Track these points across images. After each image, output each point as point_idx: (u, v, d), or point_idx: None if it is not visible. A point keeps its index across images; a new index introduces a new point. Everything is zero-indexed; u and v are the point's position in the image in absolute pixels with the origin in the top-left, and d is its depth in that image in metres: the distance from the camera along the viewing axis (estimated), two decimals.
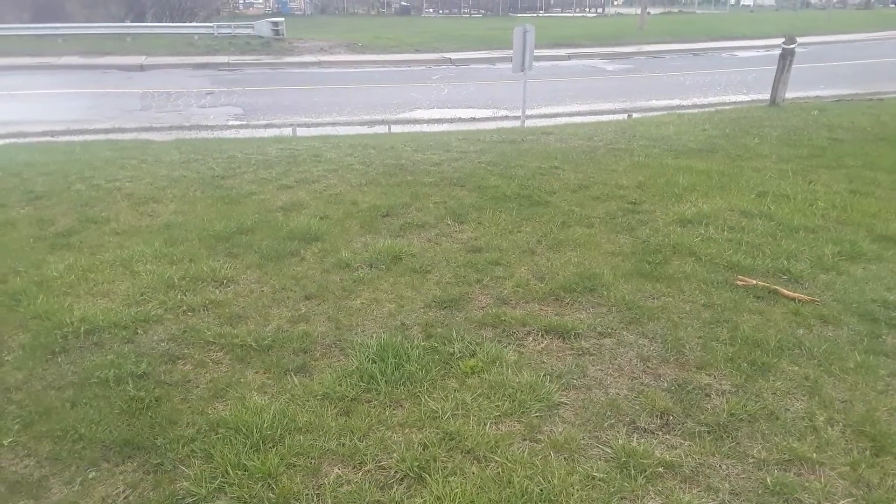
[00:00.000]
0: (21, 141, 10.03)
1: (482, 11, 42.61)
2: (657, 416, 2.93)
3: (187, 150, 8.37)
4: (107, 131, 11.39)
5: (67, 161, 7.71)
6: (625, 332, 3.65)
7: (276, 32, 24.56)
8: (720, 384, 3.16)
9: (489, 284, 4.26)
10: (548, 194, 6.11)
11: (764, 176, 6.75)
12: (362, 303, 4.03)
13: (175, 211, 5.78)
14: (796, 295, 4.06)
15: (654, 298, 4.05)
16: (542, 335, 3.63)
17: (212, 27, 25.38)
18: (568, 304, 4.02)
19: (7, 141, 9.99)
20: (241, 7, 35.21)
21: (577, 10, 46.07)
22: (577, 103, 14.67)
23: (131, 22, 26.40)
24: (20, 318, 3.79)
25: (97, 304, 3.95)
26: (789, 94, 12.29)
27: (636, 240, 5.00)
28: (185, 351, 3.47)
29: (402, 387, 3.11)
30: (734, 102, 13.87)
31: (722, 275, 4.35)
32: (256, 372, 3.28)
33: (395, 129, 12.16)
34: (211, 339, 3.56)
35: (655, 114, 12.51)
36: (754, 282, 4.22)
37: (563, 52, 23.05)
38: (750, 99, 14.11)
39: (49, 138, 10.58)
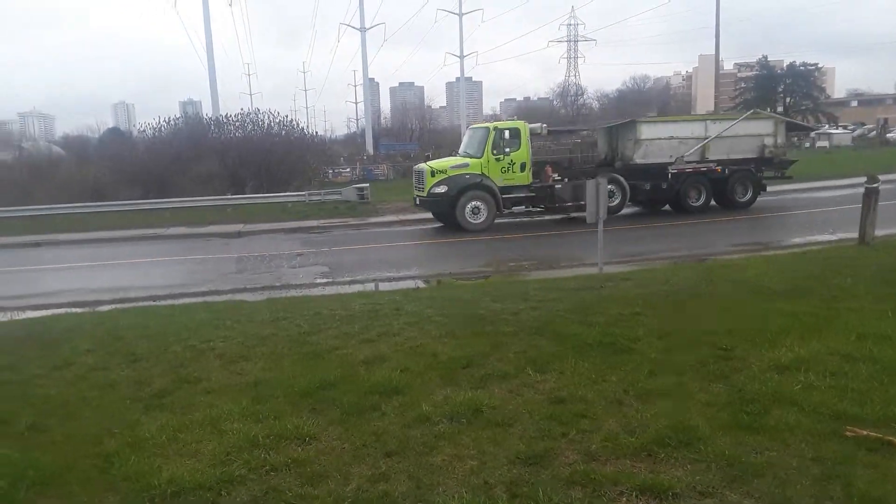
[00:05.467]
0: (126, 306, 10.78)
1: None
2: None
3: (277, 309, 8.74)
4: (204, 294, 12.10)
5: (166, 324, 8.18)
6: (727, 492, 3.37)
7: (362, 197, 26.16)
8: None
9: (575, 438, 4.09)
10: (631, 341, 5.96)
11: (862, 317, 6.38)
12: (443, 459, 3.93)
13: (263, 368, 5.96)
14: None
15: (756, 453, 3.76)
16: (636, 495, 3.40)
17: (304, 195, 27.32)
18: (662, 459, 3.79)
19: (114, 306, 10.76)
20: (330, 176, 37.98)
21: None
22: (656, 249, 14.63)
23: (232, 195, 28.83)
24: (111, 480, 3.89)
25: (185, 464, 4.02)
26: (878, 232, 11.86)
27: (731, 388, 4.75)
28: None
29: None
30: (821, 242, 13.46)
31: (829, 425, 4.03)
32: None
33: (472, 280, 12.38)
34: (292, 501, 3.52)
35: (737, 257, 12.27)
36: (865, 432, 3.87)
37: None
38: (837, 238, 13.68)
39: (151, 302, 11.33)
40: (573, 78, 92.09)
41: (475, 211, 17.99)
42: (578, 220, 17.37)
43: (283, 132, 32.69)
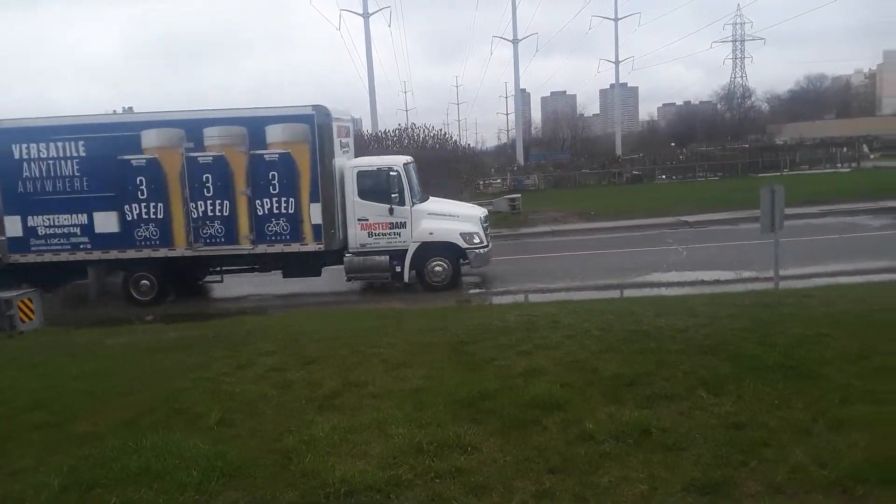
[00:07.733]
0: (296, 310, 11.54)
1: (719, 174, 41.55)
2: None
3: (434, 318, 8.93)
4: (367, 301, 12.69)
5: (335, 328, 8.60)
6: None
7: (513, 207, 26.21)
8: None
9: (758, 468, 3.77)
10: (818, 365, 5.44)
11: None
12: (610, 481, 3.77)
13: (423, 376, 6.09)
14: None
15: None
16: None
17: None
18: (860, 497, 3.41)
19: (287, 310, 11.56)
20: (481, 187, 38.52)
21: (828, 165, 42.71)
22: (839, 263, 13.29)
23: None
24: (290, 475, 4.13)
25: (355, 465, 4.18)
26: None
27: None
28: None
29: None
30: None
31: None
32: None
33: (629, 293, 11.94)
34: None
35: None
36: None
37: (814, 209, 21.40)
38: None
39: (319, 308, 12.04)
40: (739, 79, 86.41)
41: None
42: None
43: (437, 145, 33.62)
